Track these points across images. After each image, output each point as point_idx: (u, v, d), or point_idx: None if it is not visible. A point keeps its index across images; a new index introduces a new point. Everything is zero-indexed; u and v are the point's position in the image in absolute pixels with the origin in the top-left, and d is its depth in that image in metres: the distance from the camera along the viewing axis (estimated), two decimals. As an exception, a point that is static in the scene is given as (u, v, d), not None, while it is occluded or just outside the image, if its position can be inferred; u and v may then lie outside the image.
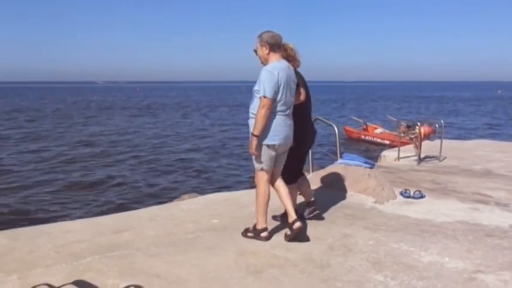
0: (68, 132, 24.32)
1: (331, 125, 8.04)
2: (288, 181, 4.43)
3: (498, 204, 5.49)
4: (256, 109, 3.93)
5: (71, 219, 5.66)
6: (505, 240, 4.20)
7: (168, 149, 18.82)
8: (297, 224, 4.10)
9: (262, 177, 4.11)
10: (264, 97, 3.84)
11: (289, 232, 4.15)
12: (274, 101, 3.89)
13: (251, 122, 4.05)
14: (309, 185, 4.81)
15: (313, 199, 4.77)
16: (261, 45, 4.06)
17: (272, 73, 3.90)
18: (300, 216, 4.53)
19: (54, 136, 22.67)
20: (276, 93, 3.90)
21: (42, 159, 15.93)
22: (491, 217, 4.95)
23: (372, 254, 3.81)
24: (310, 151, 7.25)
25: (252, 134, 3.90)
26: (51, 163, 15.15)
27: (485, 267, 3.58)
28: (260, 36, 4.07)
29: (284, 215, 4.42)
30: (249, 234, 4.20)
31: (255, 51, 4.15)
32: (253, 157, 4.07)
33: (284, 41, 4.17)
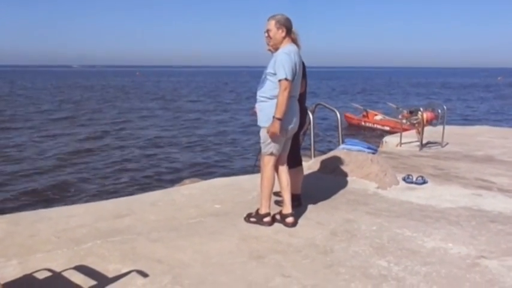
0: (80, 119, 24.31)
1: (333, 111, 8.01)
2: (291, 165, 4.43)
3: (501, 190, 5.47)
4: (269, 92, 3.91)
5: (73, 203, 5.62)
6: (508, 226, 4.18)
7: (169, 133, 18.80)
8: (290, 220, 4.12)
9: (269, 162, 4.08)
10: (286, 79, 3.78)
11: (278, 217, 4.18)
12: (291, 83, 3.85)
13: (260, 105, 4.01)
14: (301, 178, 4.70)
15: (299, 193, 4.64)
16: (278, 28, 3.96)
17: (290, 56, 3.86)
18: (297, 199, 4.53)
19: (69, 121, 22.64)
20: (294, 75, 3.86)
21: (46, 144, 15.92)
22: (494, 203, 4.93)
23: (375, 240, 3.79)
24: (312, 136, 7.24)
25: (276, 118, 3.82)
26: (56, 148, 15.15)
27: (489, 252, 3.56)
28: (275, 18, 3.97)
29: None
30: (252, 219, 4.18)
31: (268, 32, 4.01)
32: (263, 141, 4.02)
33: None
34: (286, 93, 3.78)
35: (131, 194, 5.81)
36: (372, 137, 16.14)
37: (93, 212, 4.52)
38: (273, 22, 3.97)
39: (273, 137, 3.91)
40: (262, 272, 3.19)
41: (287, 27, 3.97)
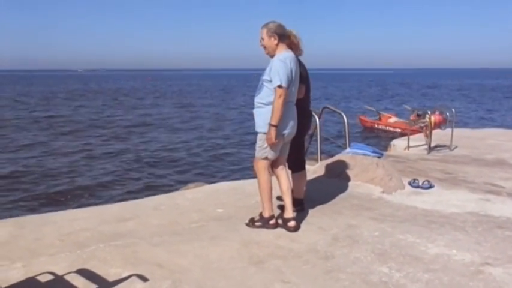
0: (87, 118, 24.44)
1: (340, 114, 7.98)
2: (294, 169, 4.42)
3: (510, 195, 5.37)
4: (266, 99, 3.94)
5: (78, 207, 5.66)
6: (515, 232, 4.11)
7: (176, 137, 18.84)
8: (292, 223, 4.11)
9: (264, 166, 4.10)
10: (281, 86, 3.81)
11: (280, 221, 4.19)
12: (286, 90, 3.87)
13: (257, 111, 4.05)
14: (304, 182, 4.68)
15: (301, 198, 4.63)
16: (269, 36, 3.99)
17: (285, 62, 3.89)
18: (300, 204, 4.52)
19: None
20: (289, 82, 3.89)
21: (53, 148, 16.05)
22: (502, 208, 4.84)
23: (377, 245, 3.76)
24: (318, 140, 7.22)
25: (271, 125, 3.85)
26: (63, 151, 15.27)
27: (494, 259, 3.50)
28: (267, 26, 4.00)
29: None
30: (257, 223, 4.17)
31: (261, 42, 4.07)
32: (259, 145, 4.04)
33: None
34: (280, 100, 3.81)
35: (136, 197, 5.82)
36: (386, 140, 16.01)
37: (97, 215, 4.55)
38: (264, 31, 4.01)
39: (270, 144, 3.93)
40: (261, 278, 3.18)
41: (279, 34, 3.99)
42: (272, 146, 3.97)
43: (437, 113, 8.45)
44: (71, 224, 4.27)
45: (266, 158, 4.06)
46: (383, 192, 5.35)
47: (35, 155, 14.48)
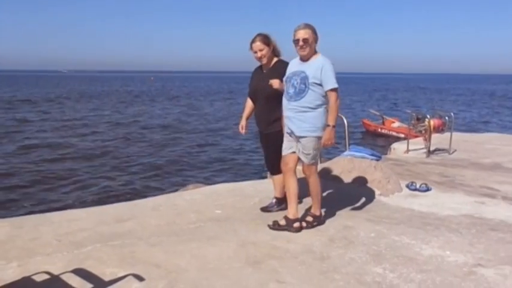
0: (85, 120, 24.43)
1: (340, 117, 8.00)
2: (279, 171, 4.42)
3: (505, 198, 5.42)
4: (314, 102, 3.97)
5: (76, 207, 5.68)
6: (508, 234, 4.15)
7: (179, 138, 18.85)
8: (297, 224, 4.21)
9: (316, 169, 4.20)
10: (337, 88, 3.93)
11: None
12: None
13: (304, 116, 3.99)
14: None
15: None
16: (314, 38, 3.99)
17: (333, 66, 3.99)
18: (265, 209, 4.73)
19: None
20: None
21: (54, 147, 16.06)
22: (496, 211, 4.90)
23: (373, 247, 3.79)
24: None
25: (332, 126, 3.93)
26: (62, 150, 15.29)
27: (486, 261, 3.54)
28: (313, 28, 3.97)
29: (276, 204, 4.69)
30: (315, 223, 4.25)
31: (306, 41, 3.93)
32: (313, 149, 4.04)
33: None
34: (339, 101, 3.94)
35: (135, 198, 5.84)
36: (388, 144, 16.03)
37: (95, 216, 4.58)
38: (309, 31, 3.94)
39: (331, 144, 4.02)
40: (257, 278, 3.21)
41: (318, 37, 4.04)
42: (320, 148, 4.13)
43: (436, 117, 8.49)
44: (69, 224, 4.29)
45: (315, 161, 4.16)
46: (380, 194, 5.39)
47: (43, 155, 14.48)
